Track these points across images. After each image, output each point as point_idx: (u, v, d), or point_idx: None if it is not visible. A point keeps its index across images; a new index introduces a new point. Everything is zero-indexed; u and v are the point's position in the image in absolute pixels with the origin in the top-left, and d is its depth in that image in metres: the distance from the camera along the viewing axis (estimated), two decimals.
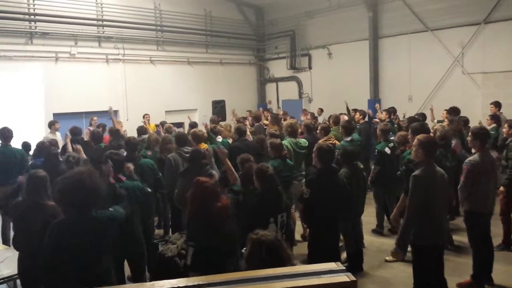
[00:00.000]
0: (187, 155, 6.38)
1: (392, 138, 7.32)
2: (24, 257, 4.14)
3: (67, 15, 12.38)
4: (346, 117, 9.89)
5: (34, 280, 4.05)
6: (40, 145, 7.13)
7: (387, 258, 6.13)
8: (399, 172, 6.08)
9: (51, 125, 10.22)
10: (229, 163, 5.40)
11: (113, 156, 4.69)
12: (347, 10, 15.19)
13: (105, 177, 4.22)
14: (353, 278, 2.04)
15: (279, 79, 18.13)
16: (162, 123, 10.73)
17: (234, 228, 3.71)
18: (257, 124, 10.48)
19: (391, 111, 10.78)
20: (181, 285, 2.05)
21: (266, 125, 10.57)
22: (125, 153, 6.66)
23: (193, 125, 9.41)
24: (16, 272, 4.40)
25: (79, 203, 3.25)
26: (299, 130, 7.70)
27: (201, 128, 8.70)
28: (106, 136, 9.20)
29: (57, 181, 3.37)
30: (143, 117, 11.62)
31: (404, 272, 5.51)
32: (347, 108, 11.60)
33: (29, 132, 10.19)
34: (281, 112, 12.97)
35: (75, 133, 8.76)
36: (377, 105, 12.19)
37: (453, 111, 9.44)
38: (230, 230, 3.66)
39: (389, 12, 14.40)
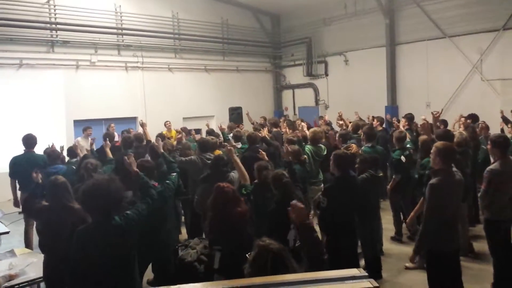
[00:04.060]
0: (209, 161, 6.47)
1: (408, 145, 7.30)
2: (50, 261, 4.21)
3: (87, 24, 12.63)
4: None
5: (58, 283, 4.12)
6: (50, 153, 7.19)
7: (407, 265, 6.09)
8: (416, 175, 6.06)
9: (84, 130, 10.50)
10: (238, 160, 5.35)
11: (144, 164, 4.81)
12: (364, 17, 15.21)
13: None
14: (376, 285, 2.05)
15: (296, 86, 18.17)
16: (183, 129, 10.84)
17: (251, 233, 3.74)
18: (275, 130, 10.49)
19: (410, 117, 10.69)
20: None
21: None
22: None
23: (210, 132, 9.50)
24: (40, 275, 4.48)
25: (100, 209, 3.33)
26: (323, 140, 7.67)
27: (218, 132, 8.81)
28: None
29: (78, 187, 3.45)
30: (165, 124, 11.81)
31: (424, 279, 5.39)
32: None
33: (50, 138, 10.36)
34: (298, 119, 12.95)
35: (110, 139, 8.73)
36: (387, 116, 12.09)
37: (471, 118, 9.34)
38: (249, 235, 3.70)
39: (406, 19, 14.36)
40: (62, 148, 7.85)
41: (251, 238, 3.72)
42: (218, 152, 7.03)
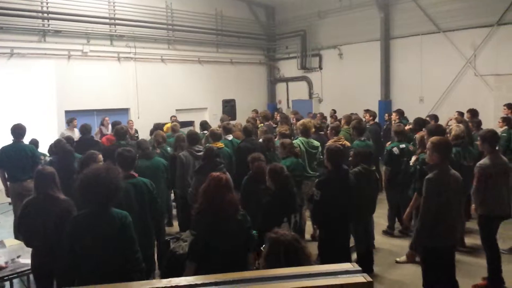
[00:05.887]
0: (198, 153, 6.44)
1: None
2: (37, 252, 4.16)
3: (79, 13, 12.44)
4: None
5: (47, 274, 4.08)
6: (57, 143, 7.16)
7: (398, 259, 6.12)
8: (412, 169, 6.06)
9: (69, 122, 10.34)
10: None
11: (125, 153, 4.70)
12: (359, 10, 15.15)
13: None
14: (370, 279, 2.03)
15: (289, 79, 18.11)
16: (173, 121, 10.80)
17: (241, 226, 3.67)
18: (267, 123, 10.48)
19: (401, 112, 10.76)
20: (198, 282, 2.06)
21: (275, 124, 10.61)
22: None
23: (204, 124, 9.45)
24: (29, 267, 4.43)
25: (97, 198, 3.28)
26: (312, 130, 7.68)
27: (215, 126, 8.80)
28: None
29: (76, 177, 3.40)
30: (171, 118, 11.93)
31: (414, 273, 5.48)
32: None
33: (41, 129, 10.29)
34: (292, 113, 12.94)
35: (84, 132, 8.67)
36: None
37: (470, 113, 9.38)
38: (236, 228, 3.61)
39: (401, 13, 14.33)
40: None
41: (238, 232, 3.65)
42: (220, 144, 7.04)
